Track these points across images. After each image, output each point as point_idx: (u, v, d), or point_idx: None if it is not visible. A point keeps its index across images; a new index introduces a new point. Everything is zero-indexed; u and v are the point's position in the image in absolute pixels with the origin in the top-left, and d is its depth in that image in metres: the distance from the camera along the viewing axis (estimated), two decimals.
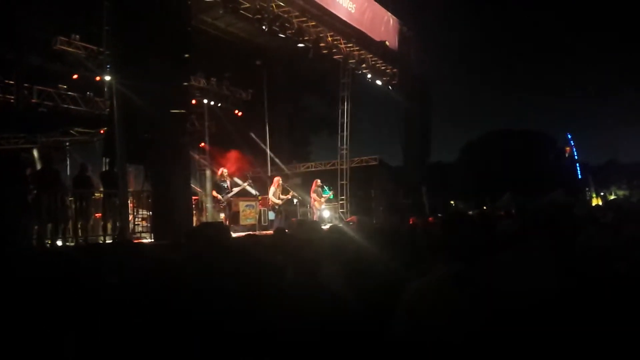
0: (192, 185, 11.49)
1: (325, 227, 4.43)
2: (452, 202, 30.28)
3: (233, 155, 18.24)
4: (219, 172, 12.29)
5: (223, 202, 11.87)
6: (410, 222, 8.31)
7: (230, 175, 12.63)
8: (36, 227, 8.37)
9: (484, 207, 21.09)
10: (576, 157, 37.89)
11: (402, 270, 2.89)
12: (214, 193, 11.99)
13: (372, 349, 2.22)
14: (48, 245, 8.19)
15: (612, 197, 37.42)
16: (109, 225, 9.33)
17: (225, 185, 11.95)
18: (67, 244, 8.55)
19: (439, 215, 11.86)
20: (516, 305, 1.89)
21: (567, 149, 38.45)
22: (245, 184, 12.68)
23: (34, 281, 2.82)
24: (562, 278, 1.99)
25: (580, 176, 36.50)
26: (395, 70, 18.05)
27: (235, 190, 12.20)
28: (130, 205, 9.26)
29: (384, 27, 16.83)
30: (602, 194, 35.78)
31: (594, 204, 25.89)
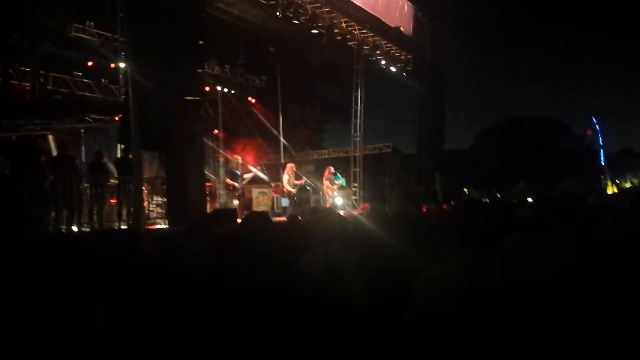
0: (206, 172, 11.54)
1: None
2: (465, 189, 30.11)
3: (246, 142, 18.28)
4: (233, 160, 12.32)
5: (239, 190, 11.90)
6: (424, 210, 8.28)
7: (244, 163, 12.67)
8: (52, 213, 8.47)
9: (498, 195, 20.99)
10: (601, 143, 36.75)
11: (416, 258, 2.89)
12: (228, 180, 12.02)
13: (386, 336, 2.23)
14: (64, 230, 8.28)
15: (628, 185, 37.00)
16: (124, 212, 9.41)
17: (239, 173, 11.98)
18: (83, 229, 8.64)
19: (452, 202, 11.82)
20: (532, 293, 1.88)
21: (589, 132, 37.39)
22: (257, 169, 12.70)
23: (51, 266, 2.85)
24: (580, 266, 1.97)
25: (602, 162, 35.40)
26: (410, 56, 17.88)
27: (248, 177, 12.22)
28: (144, 191, 9.32)
29: (398, 12, 16.67)
30: (617, 182, 35.30)
31: (609, 192, 25.65)
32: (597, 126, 36.35)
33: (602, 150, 36.29)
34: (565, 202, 2.25)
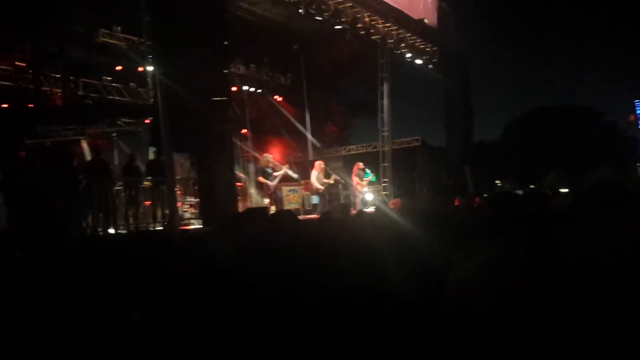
0: (236, 172, 11.62)
1: (369, 209, 4.42)
2: (497, 181, 29.68)
3: (274, 140, 18.34)
4: (264, 159, 12.33)
5: (271, 188, 11.90)
6: (456, 203, 8.19)
7: (274, 161, 12.70)
8: (89, 216, 8.65)
9: (531, 186, 20.61)
10: None
11: (449, 252, 2.86)
12: (261, 179, 12.01)
13: (419, 332, 2.21)
14: (101, 233, 8.45)
15: None
16: (159, 213, 9.56)
17: (270, 171, 12.00)
18: (119, 231, 8.81)
19: (485, 195, 11.67)
20: (573, 287, 1.85)
21: (631, 117, 36.26)
22: (285, 167, 12.70)
23: (89, 269, 2.92)
24: (626, 258, 1.92)
25: None
26: (435, 48, 17.70)
27: (279, 174, 12.23)
28: (177, 192, 9.45)
29: (422, 4, 16.51)
30: None
31: None
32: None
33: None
34: (604, 191, 2.19)
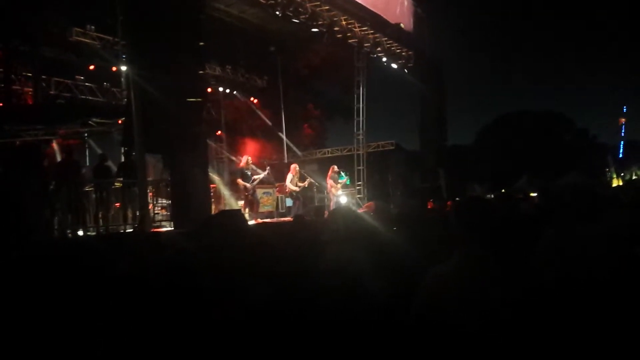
0: (210, 174, 11.53)
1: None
2: (469, 185, 30.04)
3: (250, 142, 18.27)
4: (244, 161, 12.26)
5: (250, 190, 11.88)
6: (429, 207, 8.27)
7: (253, 164, 12.65)
8: (57, 217, 8.48)
9: (502, 190, 20.91)
10: (622, 134, 36.62)
11: (421, 255, 2.88)
12: (240, 181, 11.96)
13: (391, 334, 2.22)
14: (69, 235, 8.30)
15: (634, 177, 36.79)
16: (129, 215, 9.43)
17: (249, 173, 11.96)
18: (88, 233, 8.66)
19: (457, 199, 11.79)
20: (538, 288, 1.87)
21: (621, 120, 37.20)
22: (266, 172, 12.66)
23: (55, 270, 2.85)
24: (591, 261, 1.96)
25: (621, 155, 35.26)
26: (410, 52, 17.84)
27: (258, 177, 12.20)
28: (149, 194, 9.33)
29: (398, 9, 16.63)
30: (622, 174, 35.13)
31: (614, 185, 25.53)
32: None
33: (622, 142, 36.20)
34: (573, 196, 2.23)
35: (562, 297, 1.84)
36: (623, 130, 36.38)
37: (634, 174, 38.74)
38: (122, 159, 10.99)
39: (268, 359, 2.19)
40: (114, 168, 10.78)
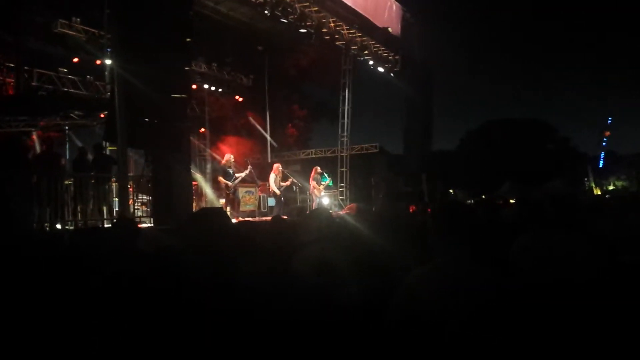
0: (192, 171, 11.46)
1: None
2: (451, 190, 30.26)
3: (233, 140, 18.22)
4: (226, 158, 12.20)
5: (231, 188, 11.83)
6: (411, 210, 8.32)
7: (236, 162, 12.61)
8: (36, 211, 8.36)
9: (483, 196, 21.09)
10: (604, 145, 37.40)
11: (402, 258, 2.90)
12: (221, 179, 11.90)
13: (369, 334, 2.23)
14: (47, 228, 8.19)
15: (612, 187, 37.42)
16: (105, 209, 9.35)
17: (231, 172, 11.91)
18: (67, 227, 8.55)
19: (437, 203, 11.87)
20: (516, 293, 1.89)
21: (606, 132, 38.01)
22: (248, 170, 12.62)
23: (35, 263, 2.83)
24: (573, 267, 1.98)
25: (601, 165, 36.08)
26: (397, 57, 17.94)
27: (241, 176, 12.16)
28: (129, 189, 9.24)
29: (387, 13, 16.72)
30: (602, 184, 35.72)
31: (595, 194, 25.91)
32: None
33: (602, 153, 36.91)
34: (552, 203, 2.26)
35: (535, 299, 1.87)
36: (605, 142, 37.19)
37: (612, 184, 39.43)
38: (93, 154, 10.62)
39: (250, 357, 2.19)
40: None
